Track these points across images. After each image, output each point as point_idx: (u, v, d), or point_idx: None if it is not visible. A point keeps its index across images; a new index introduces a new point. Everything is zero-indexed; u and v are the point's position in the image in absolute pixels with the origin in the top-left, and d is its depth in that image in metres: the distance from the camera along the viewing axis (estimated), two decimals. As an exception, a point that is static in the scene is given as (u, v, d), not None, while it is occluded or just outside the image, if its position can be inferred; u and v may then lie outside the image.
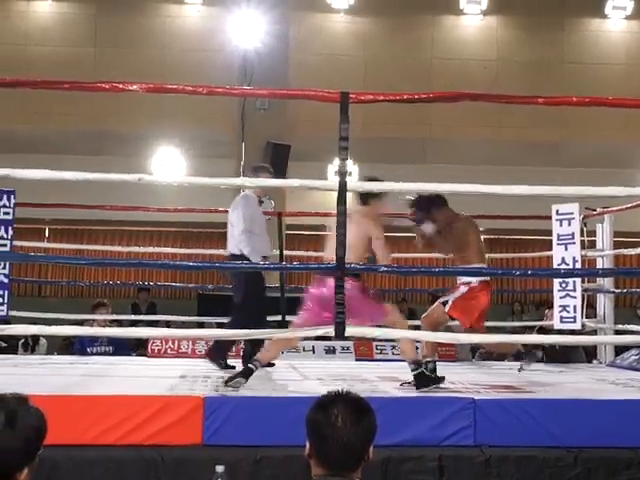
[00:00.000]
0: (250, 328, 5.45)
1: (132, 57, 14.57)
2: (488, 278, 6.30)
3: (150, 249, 10.37)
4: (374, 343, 8.46)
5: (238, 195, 7.03)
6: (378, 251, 5.44)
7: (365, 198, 5.57)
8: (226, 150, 13.58)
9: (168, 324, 10.39)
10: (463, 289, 6.14)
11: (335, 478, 2.47)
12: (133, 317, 10.88)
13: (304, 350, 8.33)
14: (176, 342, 8.20)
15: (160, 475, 4.07)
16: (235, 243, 6.73)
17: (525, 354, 7.04)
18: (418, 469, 4.12)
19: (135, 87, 4.59)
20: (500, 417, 4.26)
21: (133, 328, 8.03)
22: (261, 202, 7.08)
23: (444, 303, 6.16)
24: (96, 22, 15.10)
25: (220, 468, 3.32)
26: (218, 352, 6.75)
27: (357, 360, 8.28)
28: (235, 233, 6.74)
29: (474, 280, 6.13)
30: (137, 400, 4.29)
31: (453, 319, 6.21)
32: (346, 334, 4.50)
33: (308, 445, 2.52)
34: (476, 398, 4.35)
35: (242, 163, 13.22)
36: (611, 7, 15.84)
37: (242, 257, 6.61)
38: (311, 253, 10.34)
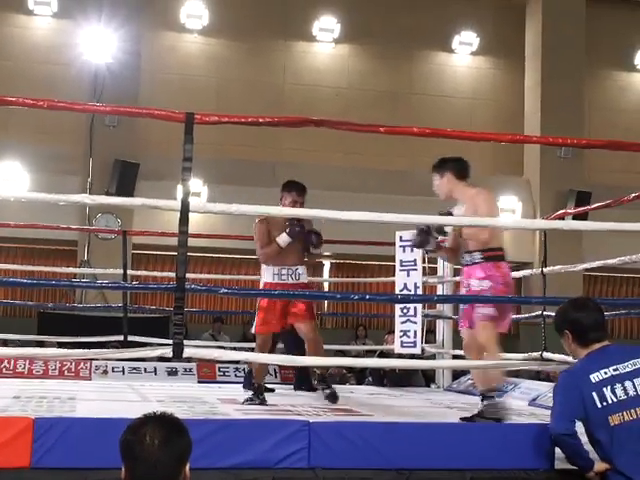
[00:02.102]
0: None
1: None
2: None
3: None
4: (217, 365, 8.42)
5: None
6: None
7: None
8: (73, 166, 13.33)
9: (5, 343, 10.05)
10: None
11: None
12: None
13: (145, 371, 8.21)
14: (12, 361, 7.95)
15: (-16, 499, 3.93)
16: None
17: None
18: (252, 491, 4.12)
19: (-27, 98, 4.46)
20: (335, 440, 4.30)
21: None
22: None
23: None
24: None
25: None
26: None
27: (199, 382, 8.22)
28: None
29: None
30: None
31: None
32: (185, 355, 4.47)
33: (123, 468, 2.51)
34: (311, 421, 4.38)
35: (89, 180, 13.00)
36: (458, 42, 16.40)
37: None
38: (156, 273, 10.24)
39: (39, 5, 14.80)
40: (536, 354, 6.53)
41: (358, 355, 11.66)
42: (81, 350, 5.27)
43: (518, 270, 9.93)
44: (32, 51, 14.78)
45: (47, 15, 14.93)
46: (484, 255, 5.37)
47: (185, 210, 4.44)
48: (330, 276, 15.28)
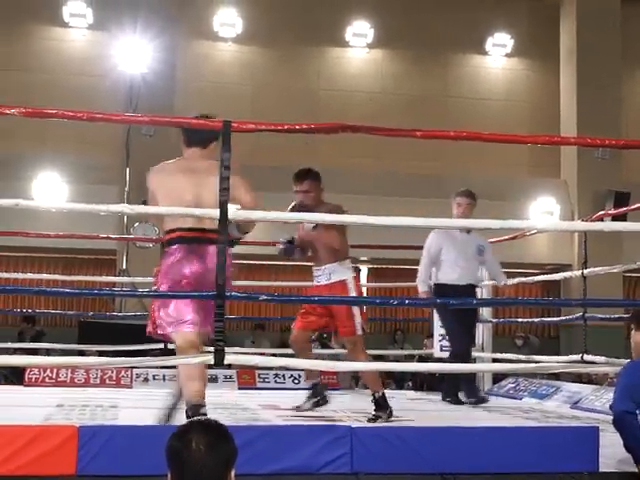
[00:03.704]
0: None
1: (15, 80, 14.31)
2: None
3: (30, 275, 10.14)
4: (257, 372, 8.45)
5: None
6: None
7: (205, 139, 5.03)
8: (110, 176, 13.42)
9: (48, 352, 10.15)
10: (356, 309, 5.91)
11: None
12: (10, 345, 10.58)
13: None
14: (55, 370, 8.03)
15: (31, 507, 3.97)
16: None
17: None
18: (296, 497, 4.13)
19: (13, 111, 4.50)
20: (377, 445, 4.29)
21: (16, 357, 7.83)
22: None
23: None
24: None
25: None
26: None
27: (240, 389, 8.26)
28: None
29: (349, 277, 5.97)
30: (8, 430, 4.18)
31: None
32: (226, 362, 4.49)
33: (169, 474, 2.53)
34: (353, 426, 4.38)
35: (126, 189, 13.08)
36: (491, 44, 16.35)
37: None
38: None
39: (74, 17, 14.95)
40: (576, 357, 6.50)
41: (397, 360, 11.62)
42: (123, 358, 5.30)
43: (557, 272, 9.90)
44: (67, 63, 14.93)
45: (82, 27, 15.08)
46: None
47: (224, 218, 4.45)
48: (367, 281, 15.27)
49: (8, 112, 4.52)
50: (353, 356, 5.93)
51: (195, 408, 4.58)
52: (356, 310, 5.86)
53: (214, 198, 4.39)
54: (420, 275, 7.18)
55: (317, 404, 6.16)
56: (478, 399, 7.02)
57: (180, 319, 4.69)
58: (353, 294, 5.88)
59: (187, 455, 2.50)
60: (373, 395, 5.84)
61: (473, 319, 7.21)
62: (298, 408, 6.09)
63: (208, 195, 4.67)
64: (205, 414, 4.53)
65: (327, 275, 5.98)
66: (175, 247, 4.77)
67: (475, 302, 7.10)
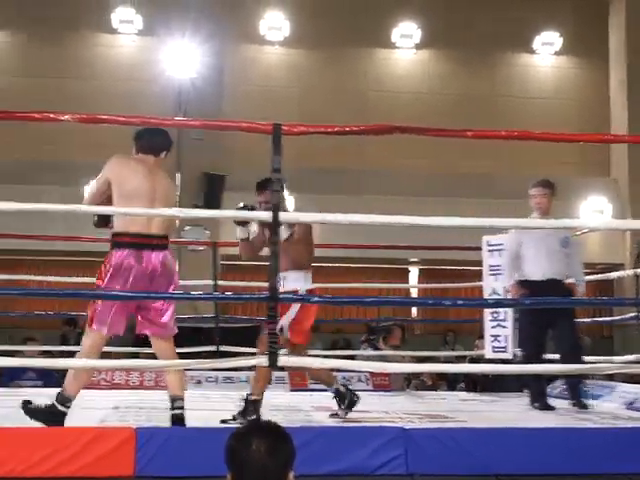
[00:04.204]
0: None
1: (65, 87, 14.49)
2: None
3: (86, 279, 10.17)
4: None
5: None
6: None
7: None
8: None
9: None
10: (294, 309, 5.65)
11: None
12: (63, 348, 10.69)
13: (239, 381, 8.30)
14: (109, 373, 8.12)
15: (91, 507, 4.02)
16: None
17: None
18: (352, 498, 4.15)
19: (67, 117, 4.57)
20: (432, 446, 4.30)
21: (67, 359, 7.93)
22: None
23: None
24: (28, 51, 15.00)
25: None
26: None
27: (292, 390, 8.28)
28: None
29: (302, 288, 5.72)
30: (67, 432, 4.25)
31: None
32: (279, 364, 4.51)
33: (229, 475, 2.57)
34: (407, 427, 4.39)
35: (177, 194, 13.17)
36: (540, 43, 16.23)
37: None
38: (245, 283, 10.32)
39: (124, 24, 15.13)
40: (632, 357, 6.43)
41: (448, 361, 11.59)
42: (177, 361, 5.34)
43: (610, 272, 9.78)
44: (116, 69, 15.10)
45: (131, 33, 15.25)
46: None
47: (276, 221, 4.48)
48: (418, 282, 15.23)
49: (62, 118, 4.60)
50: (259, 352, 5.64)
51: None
52: (291, 311, 5.63)
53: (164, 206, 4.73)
54: (505, 272, 7.03)
55: (351, 405, 5.84)
56: (580, 404, 6.81)
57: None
58: (294, 306, 5.65)
59: (247, 456, 2.53)
60: (248, 395, 5.65)
61: (555, 318, 6.65)
62: (336, 415, 5.84)
63: (158, 205, 4.85)
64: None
65: (281, 282, 5.82)
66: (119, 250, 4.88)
67: (528, 302, 7.00)
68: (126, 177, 4.94)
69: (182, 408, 4.93)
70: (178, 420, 4.84)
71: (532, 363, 6.39)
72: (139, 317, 5.08)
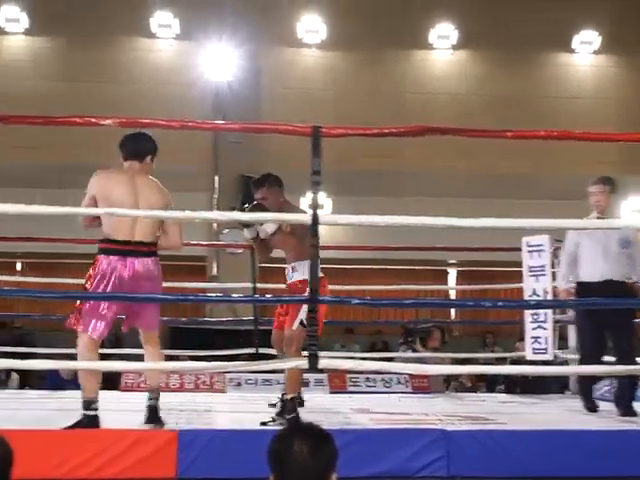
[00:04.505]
0: None
1: (104, 91, 14.59)
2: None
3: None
4: (347, 375, 8.46)
5: None
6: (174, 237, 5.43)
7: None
8: (198, 184, 13.59)
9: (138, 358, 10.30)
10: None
11: None
12: (105, 351, 10.77)
13: (277, 383, 8.31)
14: (149, 376, 8.15)
15: (134, 509, 4.06)
16: None
17: None
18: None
19: (109, 121, 4.62)
20: (473, 448, 4.29)
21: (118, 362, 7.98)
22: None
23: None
24: (67, 56, 15.14)
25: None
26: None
27: (331, 392, 8.28)
28: None
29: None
30: (109, 434, 4.28)
31: None
32: (319, 366, 4.51)
33: (272, 476, 2.59)
34: (448, 429, 4.38)
35: (215, 197, 13.25)
36: (578, 42, 16.11)
37: None
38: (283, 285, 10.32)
39: (162, 28, 15.22)
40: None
41: (487, 363, 11.54)
42: (218, 363, 5.39)
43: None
44: (154, 73, 15.18)
45: (169, 37, 15.33)
46: None
47: (315, 223, 4.49)
48: (457, 284, 15.18)
49: (104, 123, 4.64)
50: (286, 349, 5.70)
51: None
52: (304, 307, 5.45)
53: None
54: (560, 271, 6.92)
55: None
56: (630, 412, 6.41)
57: None
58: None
59: (290, 458, 2.54)
60: (283, 395, 5.65)
61: (612, 319, 6.39)
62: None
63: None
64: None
65: (290, 274, 6.00)
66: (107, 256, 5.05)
67: (570, 303, 6.93)
68: (109, 190, 5.13)
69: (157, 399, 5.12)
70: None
71: (589, 364, 6.28)
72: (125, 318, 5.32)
